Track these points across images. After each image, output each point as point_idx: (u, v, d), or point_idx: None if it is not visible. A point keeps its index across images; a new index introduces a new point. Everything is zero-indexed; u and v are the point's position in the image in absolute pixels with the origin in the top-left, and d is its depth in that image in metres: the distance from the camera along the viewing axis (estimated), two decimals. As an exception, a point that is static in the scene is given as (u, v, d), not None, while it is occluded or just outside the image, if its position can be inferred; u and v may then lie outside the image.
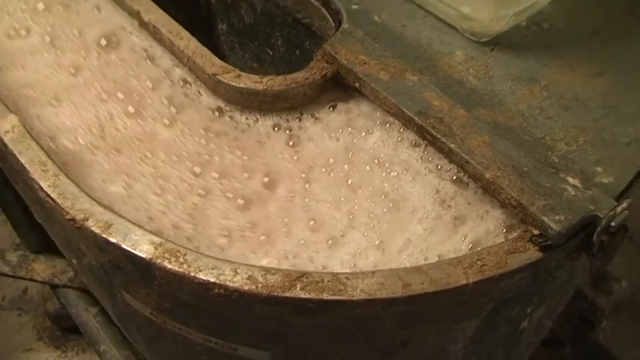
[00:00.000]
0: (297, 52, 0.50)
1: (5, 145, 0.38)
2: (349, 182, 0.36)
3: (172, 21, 0.43)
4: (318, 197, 0.36)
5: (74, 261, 0.47)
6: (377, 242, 0.34)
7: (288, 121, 0.39)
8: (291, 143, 0.38)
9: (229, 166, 0.38)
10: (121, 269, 0.36)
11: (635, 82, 0.38)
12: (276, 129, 0.39)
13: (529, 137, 0.36)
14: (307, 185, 0.36)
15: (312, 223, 0.35)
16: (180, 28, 0.43)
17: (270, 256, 0.34)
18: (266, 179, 0.37)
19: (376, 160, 0.36)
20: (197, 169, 0.37)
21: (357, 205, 0.35)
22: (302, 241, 0.34)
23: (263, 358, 0.37)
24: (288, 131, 0.39)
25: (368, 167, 0.36)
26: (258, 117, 0.40)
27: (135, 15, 0.44)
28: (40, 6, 0.44)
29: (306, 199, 0.36)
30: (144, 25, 0.44)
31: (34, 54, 0.42)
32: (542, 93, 0.38)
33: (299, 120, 0.39)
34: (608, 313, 0.52)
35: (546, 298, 0.39)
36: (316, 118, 0.39)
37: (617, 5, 0.42)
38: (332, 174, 0.36)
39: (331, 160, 0.37)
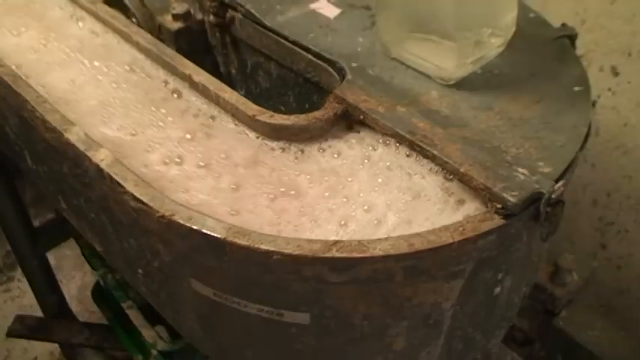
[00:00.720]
0: (307, 105, 0.64)
1: (100, 169, 0.50)
2: (379, 180, 0.49)
3: (217, 80, 0.57)
4: (359, 190, 0.49)
5: (140, 271, 0.58)
6: (407, 220, 0.46)
7: (311, 146, 0.53)
8: (319, 158, 0.51)
9: (275, 177, 0.50)
10: (196, 253, 0.47)
11: (562, 106, 0.53)
12: (303, 151, 0.52)
13: (489, 145, 0.49)
14: (343, 185, 0.49)
15: (365, 207, 0.47)
16: (224, 85, 0.57)
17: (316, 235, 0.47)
18: (306, 183, 0.50)
19: (388, 164, 0.49)
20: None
21: (391, 194, 0.48)
22: (354, 219, 0.47)
23: (304, 319, 0.49)
24: (315, 151, 0.52)
25: (386, 169, 0.49)
26: (288, 145, 0.53)
27: (186, 78, 0.58)
28: (187, 136, 0.55)
29: (349, 194, 0.49)
30: (194, 85, 0.58)
31: (193, 179, 0.50)
32: (496, 116, 0.52)
33: (320, 144, 0.52)
34: (565, 302, 0.65)
35: (511, 269, 0.51)
36: (332, 144, 0.53)
37: (548, 55, 0.57)
38: (362, 174, 0.49)
39: (355, 166, 0.50)
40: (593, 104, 0.78)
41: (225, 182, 0.50)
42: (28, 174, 0.73)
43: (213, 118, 0.55)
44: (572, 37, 0.59)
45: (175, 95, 0.57)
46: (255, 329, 0.51)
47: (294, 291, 0.47)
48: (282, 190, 0.49)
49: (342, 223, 0.47)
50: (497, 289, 0.52)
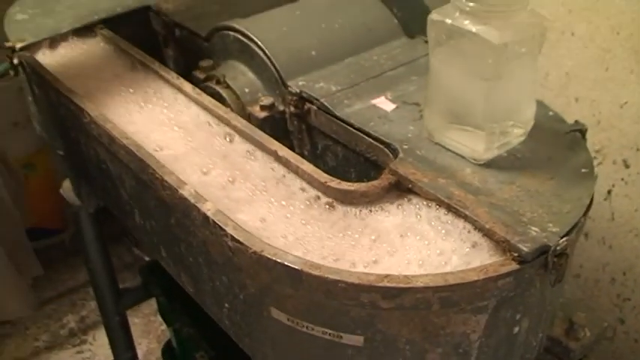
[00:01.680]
0: (365, 180, 0.78)
1: (207, 217, 0.65)
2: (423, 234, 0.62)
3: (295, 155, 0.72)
4: (404, 242, 0.62)
5: (226, 305, 0.72)
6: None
7: (369, 207, 0.66)
8: (375, 216, 0.65)
9: (342, 228, 0.64)
10: (277, 283, 0.61)
11: (571, 183, 0.66)
12: (362, 211, 0.66)
13: (509, 210, 0.62)
14: (399, 238, 0.63)
15: (408, 254, 0.61)
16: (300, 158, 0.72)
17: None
18: (371, 236, 0.63)
19: (432, 222, 0.63)
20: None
21: (430, 243, 0.61)
22: (385, 261, 0.60)
23: (359, 341, 0.61)
24: (371, 212, 0.66)
25: (428, 224, 0.63)
26: (352, 207, 0.67)
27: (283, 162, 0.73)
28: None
29: (393, 244, 0.62)
30: (278, 158, 0.73)
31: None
32: (516, 189, 0.65)
33: (377, 206, 0.66)
34: (579, 354, 0.75)
35: (527, 311, 0.63)
36: (384, 207, 0.66)
37: (561, 144, 0.71)
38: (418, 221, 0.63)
39: (405, 223, 0.64)
40: (609, 192, 0.90)
41: (302, 228, 0.64)
42: (134, 229, 0.88)
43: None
44: (582, 131, 0.72)
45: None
46: (319, 350, 0.64)
47: (352, 316, 0.60)
48: (349, 239, 0.63)
49: (374, 260, 0.60)
50: (516, 329, 0.64)
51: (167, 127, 0.80)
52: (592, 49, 0.85)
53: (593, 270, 0.97)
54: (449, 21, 0.64)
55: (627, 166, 0.87)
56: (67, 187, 1.05)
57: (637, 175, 0.86)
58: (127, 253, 1.82)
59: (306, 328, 0.63)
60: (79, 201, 1.03)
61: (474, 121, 0.67)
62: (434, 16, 0.66)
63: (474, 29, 0.62)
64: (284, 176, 0.71)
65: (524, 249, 0.57)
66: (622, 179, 0.88)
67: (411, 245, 0.62)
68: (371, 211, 0.66)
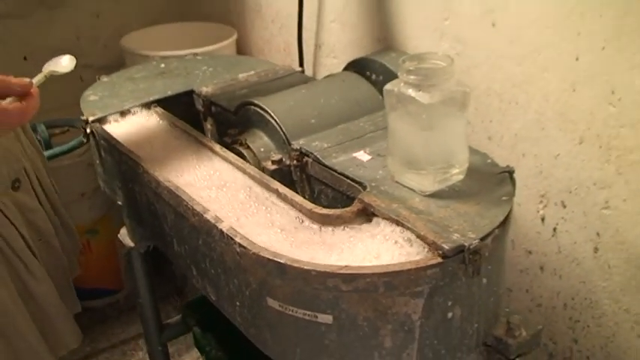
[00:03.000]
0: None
1: (222, 232, 0.88)
2: (381, 241, 0.85)
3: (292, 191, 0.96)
4: (370, 246, 0.85)
5: (237, 303, 0.94)
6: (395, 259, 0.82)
7: (342, 227, 0.89)
8: (347, 231, 0.88)
9: (320, 239, 0.87)
10: (270, 276, 0.83)
11: (492, 206, 0.88)
12: (336, 229, 0.89)
13: (441, 224, 0.84)
14: (360, 243, 0.85)
15: (375, 254, 0.83)
16: (295, 193, 0.96)
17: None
18: (341, 243, 0.86)
19: (385, 233, 0.85)
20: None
21: (382, 245, 0.84)
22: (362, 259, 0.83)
23: (329, 319, 0.83)
24: (344, 229, 0.89)
25: (384, 235, 0.85)
26: (330, 227, 0.90)
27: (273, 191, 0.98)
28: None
29: (365, 247, 0.85)
30: (279, 195, 0.97)
31: (279, 240, 0.94)
32: (449, 211, 0.87)
33: (349, 226, 0.89)
34: (516, 350, 0.93)
35: (457, 301, 0.84)
36: (353, 226, 0.89)
37: (492, 180, 0.93)
38: (370, 239, 0.86)
39: (366, 234, 0.86)
40: (555, 230, 1.11)
41: (292, 240, 0.87)
42: (172, 257, 1.12)
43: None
44: (510, 172, 0.94)
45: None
46: (301, 329, 0.85)
47: (323, 299, 0.82)
48: (324, 246, 0.86)
49: (339, 257, 0.83)
50: (450, 314, 0.84)
51: (202, 176, 1.06)
52: (530, 113, 1.08)
53: (549, 298, 1.16)
54: (397, 90, 0.89)
55: (565, 207, 1.07)
56: (123, 233, 1.31)
57: (573, 213, 1.07)
58: (173, 311, 2.05)
59: (292, 311, 0.85)
60: (132, 243, 1.29)
61: (419, 164, 0.91)
62: (387, 86, 0.91)
63: (413, 94, 0.87)
64: (282, 207, 0.95)
65: (446, 247, 0.79)
66: (562, 218, 1.08)
67: (368, 247, 0.84)
68: (344, 229, 0.89)
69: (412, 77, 0.88)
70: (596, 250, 1.04)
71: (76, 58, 1.01)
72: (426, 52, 0.93)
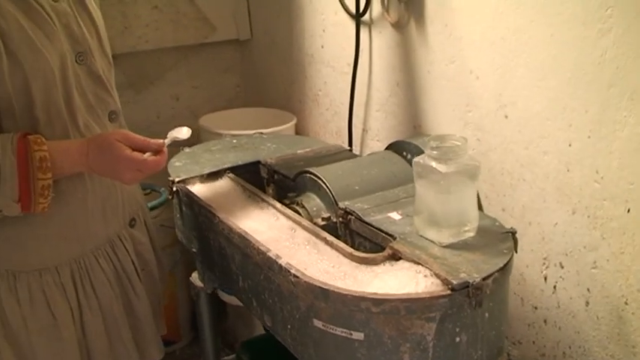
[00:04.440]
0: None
1: (281, 265, 1.12)
2: (408, 276, 1.07)
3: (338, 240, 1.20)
4: (398, 280, 1.07)
5: (289, 326, 1.16)
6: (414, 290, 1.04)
7: (376, 266, 1.12)
8: (381, 267, 1.11)
9: (358, 275, 1.10)
10: (316, 300, 1.06)
11: (495, 257, 1.10)
12: (371, 267, 1.12)
13: (453, 267, 1.06)
14: (389, 279, 1.08)
15: (397, 282, 1.06)
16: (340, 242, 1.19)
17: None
18: (374, 278, 1.09)
19: (408, 271, 1.08)
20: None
21: (405, 279, 1.06)
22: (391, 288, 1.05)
23: (360, 337, 1.04)
24: (377, 267, 1.12)
25: (409, 272, 1.08)
26: (366, 266, 1.13)
27: (321, 238, 1.22)
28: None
29: (394, 281, 1.07)
30: (327, 242, 1.21)
31: (328, 276, 1.18)
32: (461, 258, 1.09)
33: (380, 266, 1.12)
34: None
35: (464, 328, 1.05)
36: (384, 267, 1.12)
37: (497, 238, 1.16)
38: (397, 275, 1.08)
39: (395, 272, 1.09)
40: (555, 287, 1.31)
41: (334, 274, 1.11)
42: (237, 293, 1.36)
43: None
44: (513, 233, 1.17)
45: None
46: (339, 345, 1.07)
47: (357, 319, 1.04)
48: (360, 279, 1.09)
49: (371, 287, 1.06)
50: (458, 339, 1.05)
51: (266, 225, 1.31)
52: (535, 189, 1.31)
53: (552, 348, 1.35)
54: (422, 161, 1.14)
55: (562, 267, 1.28)
56: (194, 276, 1.57)
57: (569, 273, 1.27)
58: None
59: (332, 329, 1.07)
60: (201, 284, 1.54)
61: (438, 221, 1.14)
62: (416, 159, 1.15)
63: (434, 165, 1.11)
64: (329, 250, 1.19)
65: (454, 282, 1.02)
66: (560, 277, 1.29)
67: (395, 280, 1.07)
68: (376, 267, 1.12)
69: (434, 152, 1.12)
70: (587, 303, 1.24)
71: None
72: (446, 134, 1.18)
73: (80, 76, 1.16)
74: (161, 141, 1.20)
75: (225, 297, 1.93)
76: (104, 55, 1.23)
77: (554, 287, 1.31)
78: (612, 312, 1.19)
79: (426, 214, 1.16)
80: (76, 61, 1.16)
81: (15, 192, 1.03)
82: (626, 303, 1.16)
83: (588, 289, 1.23)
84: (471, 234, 1.16)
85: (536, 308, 1.37)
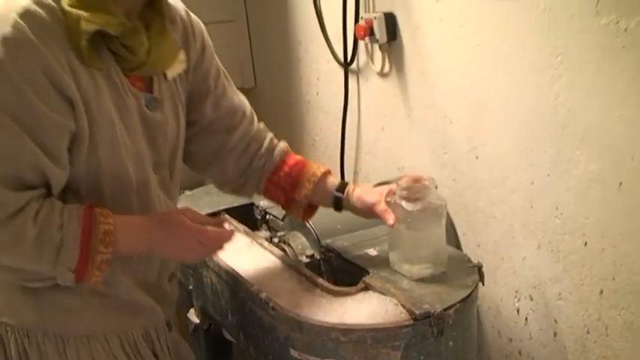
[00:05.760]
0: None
1: (261, 299, 1.21)
2: (375, 304, 1.16)
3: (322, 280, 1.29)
4: (366, 307, 1.16)
5: (270, 357, 1.25)
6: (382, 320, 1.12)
7: (349, 298, 1.21)
8: (353, 297, 1.19)
9: (332, 306, 1.19)
10: (293, 331, 1.14)
11: (459, 289, 1.17)
12: (345, 298, 1.20)
13: (419, 298, 1.14)
14: (359, 307, 1.16)
15: (366, 313, 1.14)
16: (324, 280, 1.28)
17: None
18: (345, 308, 1.17)
19: (378, 300, 1.16)
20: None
21: (374, 309, 1.14)
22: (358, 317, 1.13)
23: (333, 364, 1.12)
24: (350, 299, 1.20)
25: (377, 301, 1.16)
26: (341, 297, 1.21)
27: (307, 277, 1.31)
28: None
29: (361, 310, 1.15)
30: (307, 277, 1.30)
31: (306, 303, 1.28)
32: (428, 290, 1.17)
33: (353, 297, 1.21)
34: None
35: (427, 356, 1.12)
36: (357, 297, 1.20)
37: (464, 271, 1.23)
38: (367, 303, 1.16)
39: (364, 300, 1.17)
40: (526, 319, 1.38)
41: (311, 306, 1.19)
42: (227, 327, 1.45)
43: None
44: (479, 267, 1.24)
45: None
46: (314, 373, 1.15)
47: (328, 347, 1.12)
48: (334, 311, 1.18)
49: (342, 316, 1.14)
50: (423, 366, 1.13)
51: (253, 263, 1.40)
52: (504, 226, 1.38)
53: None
54: (393, 200, 1.22)
55: (532, 299, 1.35)
56: (191, 312, 1.66)
57: (538, 305, 1.34)
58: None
59: (307, 358, 1.15)
60: (198, 320, 1.63)
61: (408, 257, 1.23)
62: (387, 198, 1.24)
63: (402, 204, 1.20)
64: (309, 286, 1.28)
65: (417, 312, 1.09)
66: (531, 309, 1.35)
67: (365, 312, 1.15)
68: (349, 299, 1.21)
69: (404, 192, 1.21)
70: (555, 334, 1.31)
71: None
72: (416, 175, 1.27)
73: (151, 183, 1.13)
74: (223, 217, 1.23)
75: (228, 335, 2.01)
76: (177, 164, 1.22)
77: (526, 319, 1.37)
78: (577, 341, 1.26)
79: (399, 250, 1.25)
80: (153, 171, 1.13)
81: (73, 262, 1.00)
82: (588, 332, 1.23)
83: (555, 320, 1.30)
84: (442, 269, 1.24)
85: (511, 340, 1.43)
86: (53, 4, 0.97)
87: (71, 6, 0.98)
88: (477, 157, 1.42)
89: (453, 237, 1.51)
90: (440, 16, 1.46)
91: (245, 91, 1.35)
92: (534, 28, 1.21)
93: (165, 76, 1.15)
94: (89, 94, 1.00)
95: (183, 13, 1.21)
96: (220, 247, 1.17)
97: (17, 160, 0.97)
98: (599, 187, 1.15)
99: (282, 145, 1.34)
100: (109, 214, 1.04)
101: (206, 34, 1.26)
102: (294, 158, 1.33)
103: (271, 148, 1.32)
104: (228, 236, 1.17)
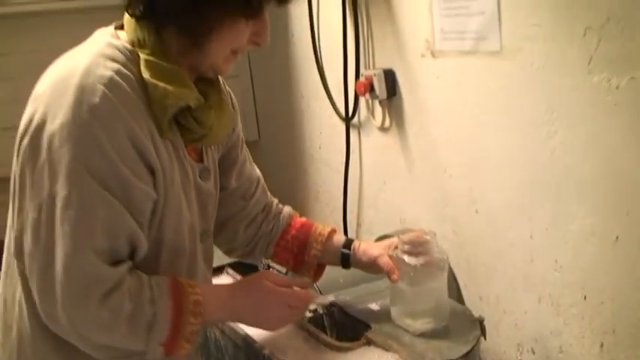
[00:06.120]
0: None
1: (263, 354, 1.22)
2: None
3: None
4: (356, 370, 1.16)
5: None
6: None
7: (353, 352, 1.21)
8: (355, 354, 1.20)
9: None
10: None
11: (461, 344, 1.18)
12: (348, 353, 1.21)
13: (420, 353, 1.15)
14: (354, 367, 1.17)
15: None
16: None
17: None
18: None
19: (380, 356, 1.17)
20: None
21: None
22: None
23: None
24: (353, 353, 1.21)
25: (380, 356, 1.17)
26: (343, 352, 1.22)
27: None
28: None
29: (353, 370, 1.16)
30: (311, 334, 1.31)
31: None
32: (429, 345, 1.18)
33: (356, 352, 1.21)
34: None
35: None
36: (360, 352, 1.21)
37: (466, 326, 1.24)
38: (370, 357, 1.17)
39: (367, 356, 1.18)
40: (530, 372, 1.38)
41: (316, 358, 1.20)
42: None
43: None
44: (480, 321, 1.25)
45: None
46: None
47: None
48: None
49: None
50: (426, 422, 1.13)
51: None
52: (505, 279, 1.40)
53: None
54: (395, 255, 1.24)
55: (534, 353, 1.35)
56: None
57: (539, 358, 1.34)
58: None
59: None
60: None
61: (410, 312, 1.24)
62: (389, 252, 1.26)
63: (405, 258, 1.22)
64: (312, 341, 1.29)
65: (421, 367, 1.11)
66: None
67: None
68: (351, 355, 1.21)
69: (406, 246, 1.23)
70: (558, 387, 1.31)
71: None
72: (417, 229, 1.29)
73: (198, 253, 1.14)
74: (305, 278, 1.26)
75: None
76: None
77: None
78: (580, 394, 1.26)
79: (401, 304, 1.26)
80: (200, 240, 1.14)
81: (164, 336, 0.98)
82: (590, 386, 1.23)
83: (558, 373, 1.30)
84: (443, 322, 1.25)
85: (515, 393, 1.43)
86: (131, 75, 0.97)
87: (154, 78, 0.98)
88: (476, 211, 1.44)
89: (454, 290, 1.52)
90: (437, 73, 1.50)
91: (249, 144, 1.38)
92: (529, 86, 1.25)
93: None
94: (165, 164, 1.01)
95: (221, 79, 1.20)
96: (307, 309, 1.16)
97: (114, 233, 0.95)
98: (596, 241, 1.16)
99: (287, 209, 1.37)
100: (195, 284, 1.04)
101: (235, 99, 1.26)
102: (299, 221, 1.35)
103: (278, 212, 1.35)
104: (313, 297, 1.17)
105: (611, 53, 1.08)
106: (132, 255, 1.00)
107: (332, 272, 1.47)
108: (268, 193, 1.37)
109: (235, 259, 1.69)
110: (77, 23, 2.33)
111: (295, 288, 1.15)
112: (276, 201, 1.37)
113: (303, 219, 1.36)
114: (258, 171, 1.35)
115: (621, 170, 1.10)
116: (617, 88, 1.09)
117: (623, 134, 1.09)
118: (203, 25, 0.97)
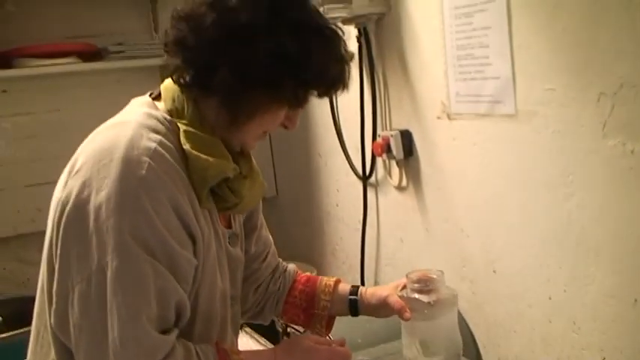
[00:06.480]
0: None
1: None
2: None
3: None
4: None
5: None
6: None
7: None
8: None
9: None
10: None
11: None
12: None
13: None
14: None
15: None
16: None
17: None
18: None
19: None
20: None
21: None
22: None
23: None
24: None
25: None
26: None
27: None
28: None
29: None
30: None
31: None
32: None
33: None
34: None
35: None
36: None
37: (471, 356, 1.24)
38: None
39: None
40: None
41: None
42: None
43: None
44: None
45: None
46: None
47: None
48: None
49: None
50: None
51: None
52: (524, 340, 1.40)
53: None
54: (405, 294, 1.25)
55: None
56: None
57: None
58: None
59: None
60: None
61: (428, 348, 1.24)
62: (399, 293, 1.26)
63: (416, 296, 1.22)
64: None
65: None
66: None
67: None
68: None
69: (416, 285, 1.24)
70: None
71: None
72: (425, 269, 1.29)
73: (228, 319, 1.15)
74: (342, 338, 1.24)
75: None
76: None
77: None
78: None
79: (416, 345, 1.25)
80: (230, 305, 1.15)
81: None
82: None
83: None
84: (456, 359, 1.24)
85: None
86: (172, 145, 0.98)
87: (194, 149, 0.99)
88: (494, 271, 1.45)
89: (473, 350, 1.52)
90: (453, 134, 1.53)
91: (266, 200, 1.40)
92: (544, 148, 1.27)
93: None
94: (205, 232, 1.02)
95: None
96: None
97: (166, 301, 0.95)
98: (614, 302, 1.17)
99: (292, 266, 1.38)
100: (239, 351, 1.07)
101: None
102: (304, 276, 1.36)
103: (283, 271, 1.36)
104: (351, 354, 1.17)
105: (626, 118, 1.11)
106: (176, 323, 1.00)
107: (350, 332, 1.48)
108: (276, 255, 1.38)
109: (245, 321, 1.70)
110: (97, 84, 2.43)
111: (334, 345, 1.16)
112: (280, 260, 1.39)
113: (307, 274, 1.37)
114: (269, 235, 1.37)
115: (638, 233, 1.11)
116: (632, 152, 1.11)
117: (639, 197, 1.11)
118: (249, 107, 1.00)
